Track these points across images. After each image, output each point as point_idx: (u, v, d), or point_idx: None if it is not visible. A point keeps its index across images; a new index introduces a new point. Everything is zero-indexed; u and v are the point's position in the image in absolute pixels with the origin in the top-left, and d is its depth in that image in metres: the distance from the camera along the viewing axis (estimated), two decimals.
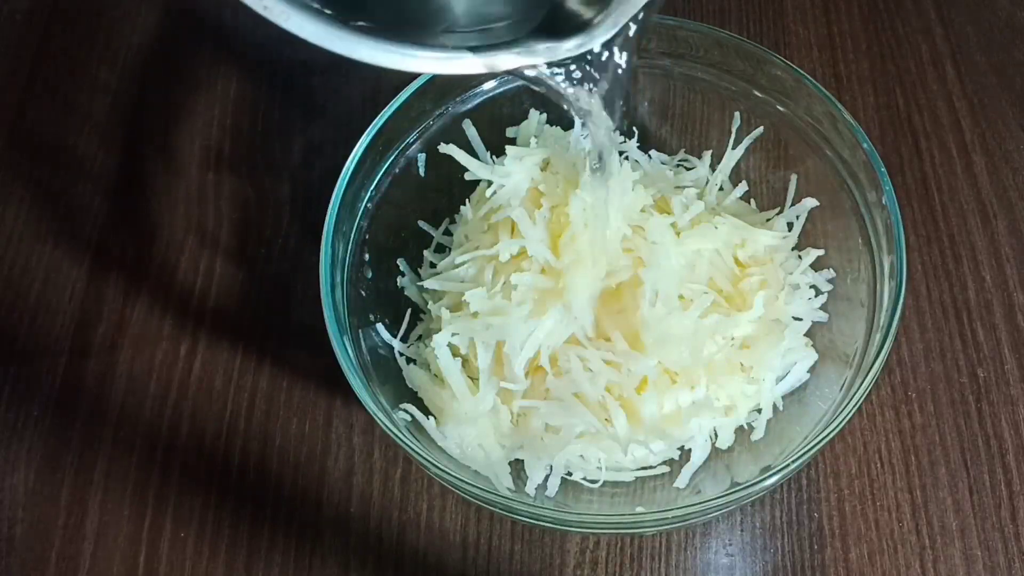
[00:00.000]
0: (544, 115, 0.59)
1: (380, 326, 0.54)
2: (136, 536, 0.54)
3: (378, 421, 0.45)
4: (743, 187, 0.58)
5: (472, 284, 0.53)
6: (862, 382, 0.45)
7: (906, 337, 0.57)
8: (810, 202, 0.55)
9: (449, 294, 0.54)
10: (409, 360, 0.54)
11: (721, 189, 0.58)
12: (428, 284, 0.54)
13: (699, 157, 0.59)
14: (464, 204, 0.57)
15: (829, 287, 0.54)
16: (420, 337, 0.56)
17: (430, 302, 0.56)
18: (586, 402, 0.49)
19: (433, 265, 0.57)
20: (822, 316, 0.54)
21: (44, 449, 0.56)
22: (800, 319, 0.54)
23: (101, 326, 0.60)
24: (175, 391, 0.58)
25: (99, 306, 0.61)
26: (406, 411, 0.49)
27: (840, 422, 0.44)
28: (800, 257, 0.55)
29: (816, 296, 0.54)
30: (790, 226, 0.56)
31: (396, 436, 0.45)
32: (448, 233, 0.59)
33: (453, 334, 0.51)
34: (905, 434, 0.55)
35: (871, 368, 0.45)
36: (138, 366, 0.59)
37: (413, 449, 0.45)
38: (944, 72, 0.67)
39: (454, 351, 0.51)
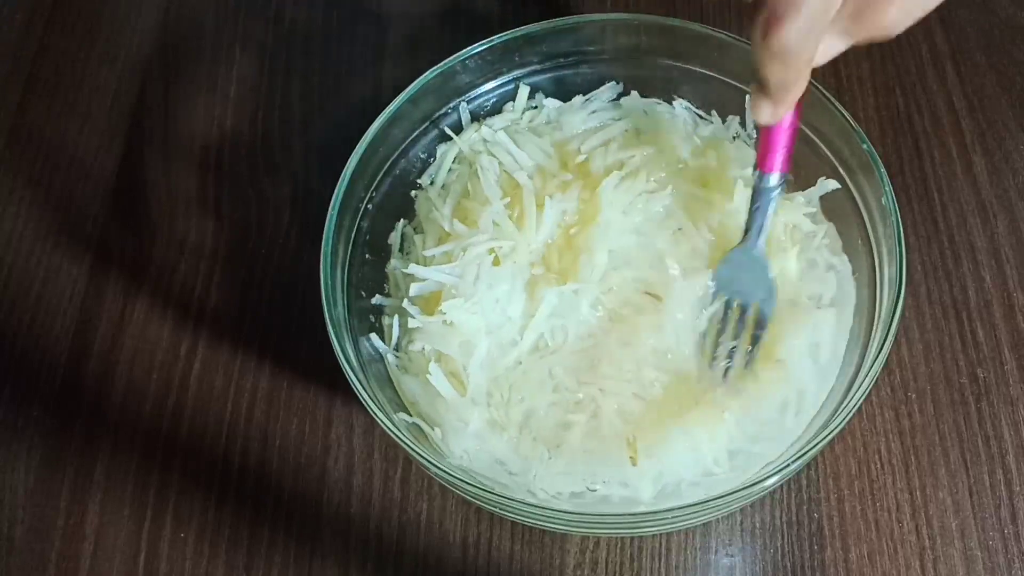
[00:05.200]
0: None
1: (374, 335, 0.53)
2: (136, 536, 0.54)
3: (379, 422, 0.45)
4: None
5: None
6: (862, 382, 0.45)
7: (906, 337, 0.57)
8: (830, 183, 0.54)
9: (422, 287, 0.53)
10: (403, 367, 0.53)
11: None
12: (412, 270, 0.53)
13: None
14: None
15: (846, 267, 0.53)
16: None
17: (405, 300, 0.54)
18: (610, 446, 0.49)
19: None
20: (842, 293, 0.53)
21: (44, 449, 0.56)
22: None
23: (101, 326, 0.60)
24: (175, 391, 0.58)
25: (99, 306, 0.61)
26: (415, 422, 0.49)
27: (840, 422, 0.44)
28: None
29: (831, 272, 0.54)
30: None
31: (397, 436, 0.45)
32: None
33: (424, 347, 0.52)
34: (905, 434, 0.55)
35: (871, 368, 0.45)
36: (138, 366, 0.59)
37: (414, 449, 0.44)
38: (944, 72, 0.67)
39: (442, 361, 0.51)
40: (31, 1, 0.74)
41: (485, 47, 0.56)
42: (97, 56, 0.72)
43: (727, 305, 0.51)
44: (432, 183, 0.58)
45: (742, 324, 0.50)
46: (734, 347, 0.50)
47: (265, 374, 0.58)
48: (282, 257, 0.62)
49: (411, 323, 0.52)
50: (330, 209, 0.51)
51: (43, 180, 0.66)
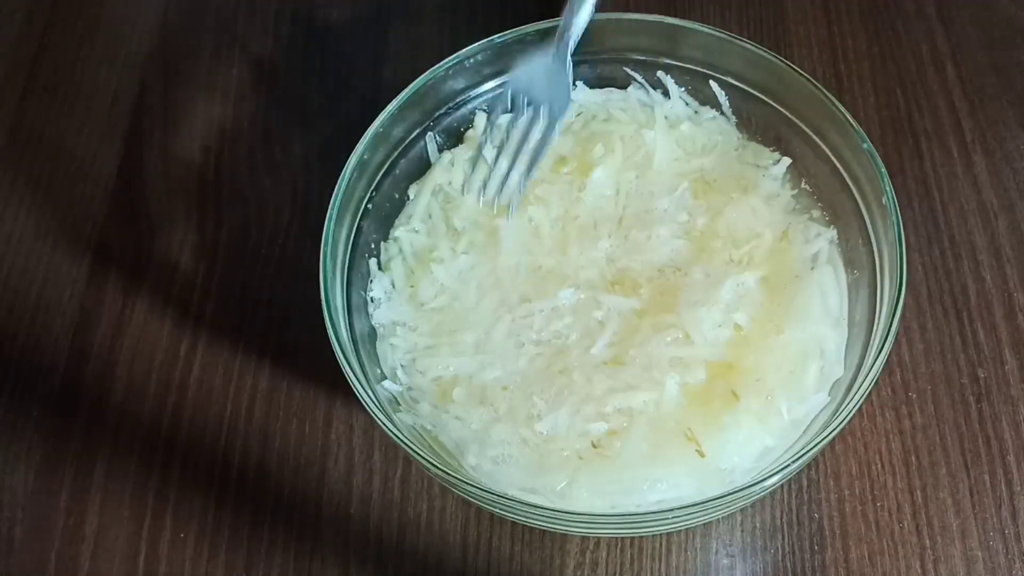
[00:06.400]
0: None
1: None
2: (136, 537, 0.54)
3: (379, 422, 0.45)
4: None
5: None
6: (862, 382, 0.45)
7: (906, 337, 0.57)
8: (785, 160, 0.56)
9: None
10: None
11: None
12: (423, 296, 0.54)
13: None
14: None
15: (829, 232, 0.54)
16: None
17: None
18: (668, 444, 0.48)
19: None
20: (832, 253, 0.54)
21: (44, 449, 0.56)
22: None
23: (101, 326, 0.60)
24: (175, 391, 0.58)
25: (99, 306, 0.61)
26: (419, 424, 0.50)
27: (840, 422, 0.44)
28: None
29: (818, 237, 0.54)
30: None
31: (397, 437, 0.45)
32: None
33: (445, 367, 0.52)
34: (906, 435, 0.55)
35: (871, 368, 0.45)
36: (138, 366, 0.59)
37: (414, 449, 0.44)
38: (944, 72, 0.67)
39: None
40: (31, 1, 0.74)
41: (485, 47, 0.56)
42: (97, 56, 0.72)
43: (515, 110, 0.52)
44: (409, 220, 0.57)
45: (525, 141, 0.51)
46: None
47: (265, 374, 0.58)
48: (282, 257, 0.62)
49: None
50: (330, 209, 0.51)
51: (43, 180, 0.66)
